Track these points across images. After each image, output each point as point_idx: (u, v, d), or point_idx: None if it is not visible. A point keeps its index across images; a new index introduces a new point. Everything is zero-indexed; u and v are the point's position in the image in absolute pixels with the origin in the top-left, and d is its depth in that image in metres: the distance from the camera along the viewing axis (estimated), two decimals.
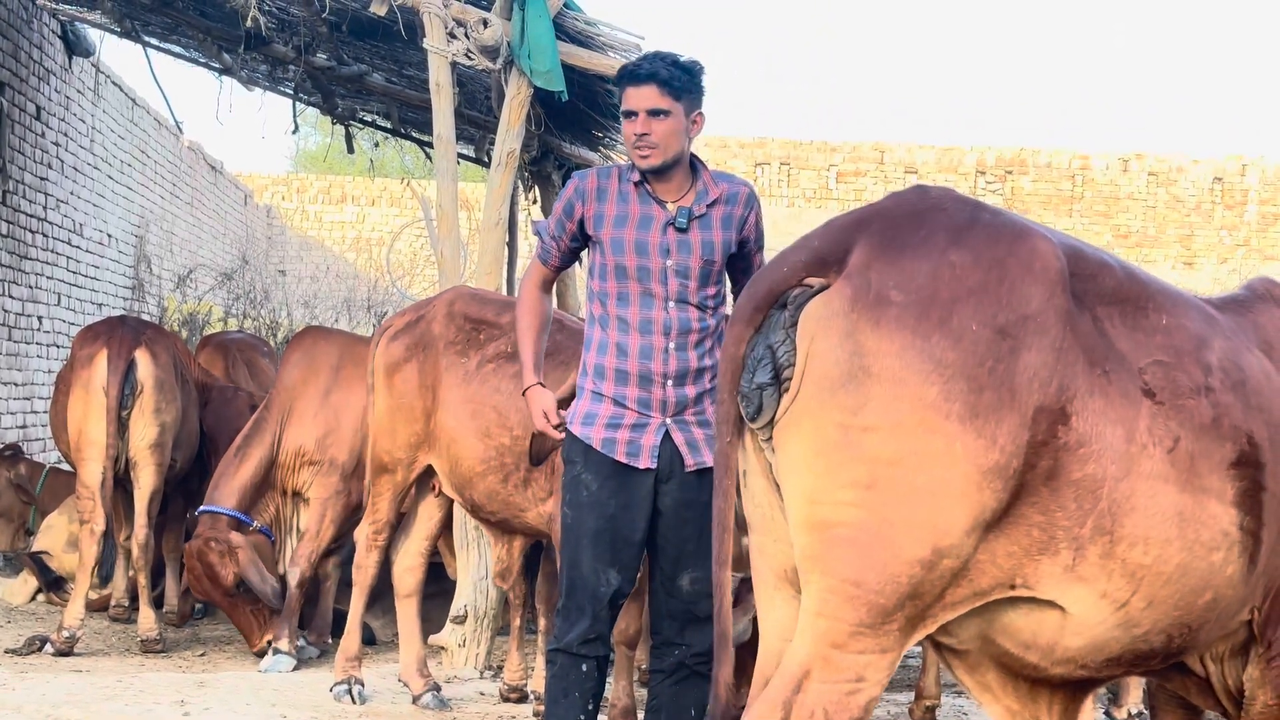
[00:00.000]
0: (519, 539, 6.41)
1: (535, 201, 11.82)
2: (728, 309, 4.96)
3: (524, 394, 5.08)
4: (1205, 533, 3.32)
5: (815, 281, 3.27)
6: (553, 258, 5.05)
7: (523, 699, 6.86)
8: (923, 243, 3.25)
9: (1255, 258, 26.71)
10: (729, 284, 5.05)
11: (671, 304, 4.86)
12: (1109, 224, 27.04)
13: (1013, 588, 3.26)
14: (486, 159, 11.40)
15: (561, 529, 4.98)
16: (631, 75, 4.86)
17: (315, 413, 7.95)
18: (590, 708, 4.94)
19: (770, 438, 3.28)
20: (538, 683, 6.62)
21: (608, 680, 5.06)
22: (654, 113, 4.82)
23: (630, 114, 4.84)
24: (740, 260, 5.04)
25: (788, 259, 3.32)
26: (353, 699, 6.59)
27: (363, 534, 6.64)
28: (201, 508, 7.86)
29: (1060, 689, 3.54)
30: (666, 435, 4.87)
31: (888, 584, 3.15)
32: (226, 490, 7.84)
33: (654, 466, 4.86)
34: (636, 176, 4.91)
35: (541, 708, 6.51)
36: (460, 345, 6.30)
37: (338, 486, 7.89)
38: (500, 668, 7.47)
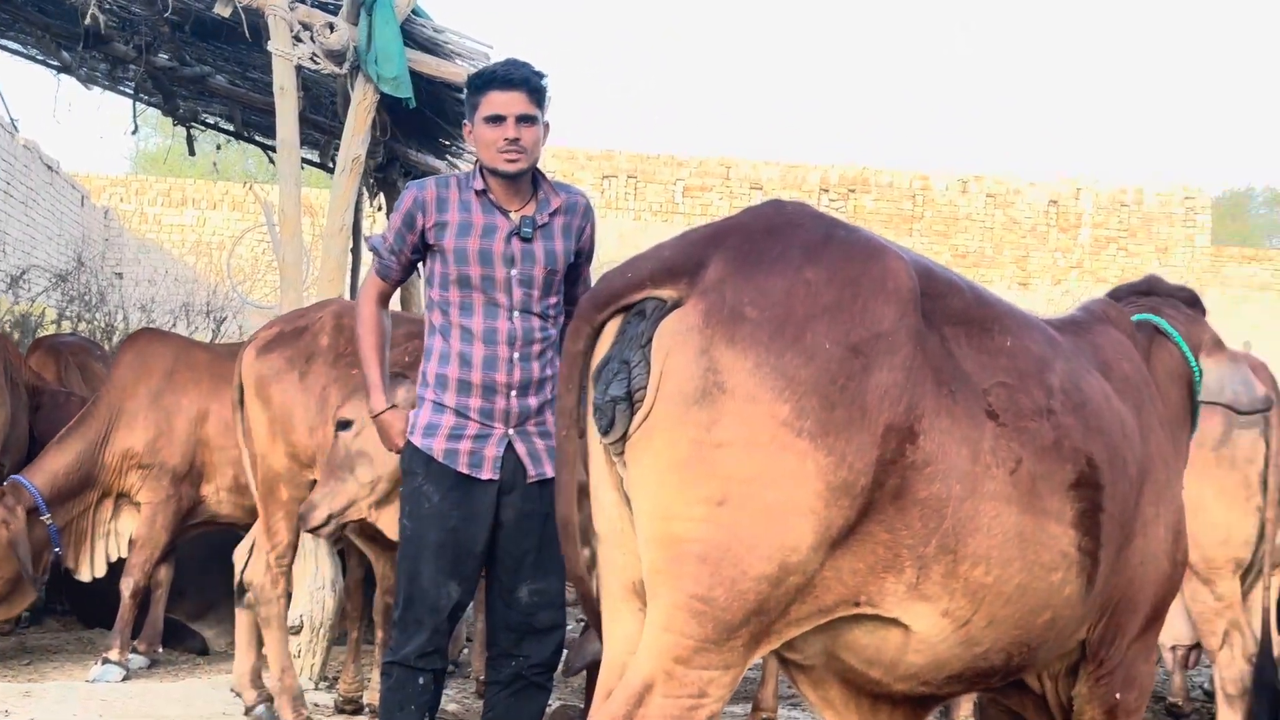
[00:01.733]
0: None
1: (380, 209, 11.71)
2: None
3: (375, 418, 5.01)
4: (1045, 554, 3.35)
5: (667, 294, 3.24)
6: (394, 273, 4.99)
7: (358, 710, 6.78)
8: (778, 259, 3.24)
9: (1088, 279, 27.29)
10: None
11: (516, 314, 4.83)
12: (948, 243, 27.47)
13: (857, 605, 3.25)
14: (331, 164, 11.28)
15: (401, 541, 4.91)
16: (503, 80, 4.80)
17: (146, 415, 7.79)
18: (426, 719, 4.89)
19: (622, 452, 3.25)
20: (373, 695, 6.54)
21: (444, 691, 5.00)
22: (523, 119, 4.80)
23: (498, 119, 4.78)
24: (572, 271, 5.03)
25: (637, 265, 3.29)
26: None
27: (261, 564, 6.36)
28: (13, 476, 7.66)
29: (901, 705, 3.55)
30: (509, 446, 4.84)
31: (735, 600, 3.13)
32: (40, 469, 7.64)
33: (497, 478, 4.83)
34: (480, 185, 4.87)
35: None
36: (351, 358, 6.16)
37: (168, 491, 7.73)
38: (336, 679, 7.37)
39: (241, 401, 6.42)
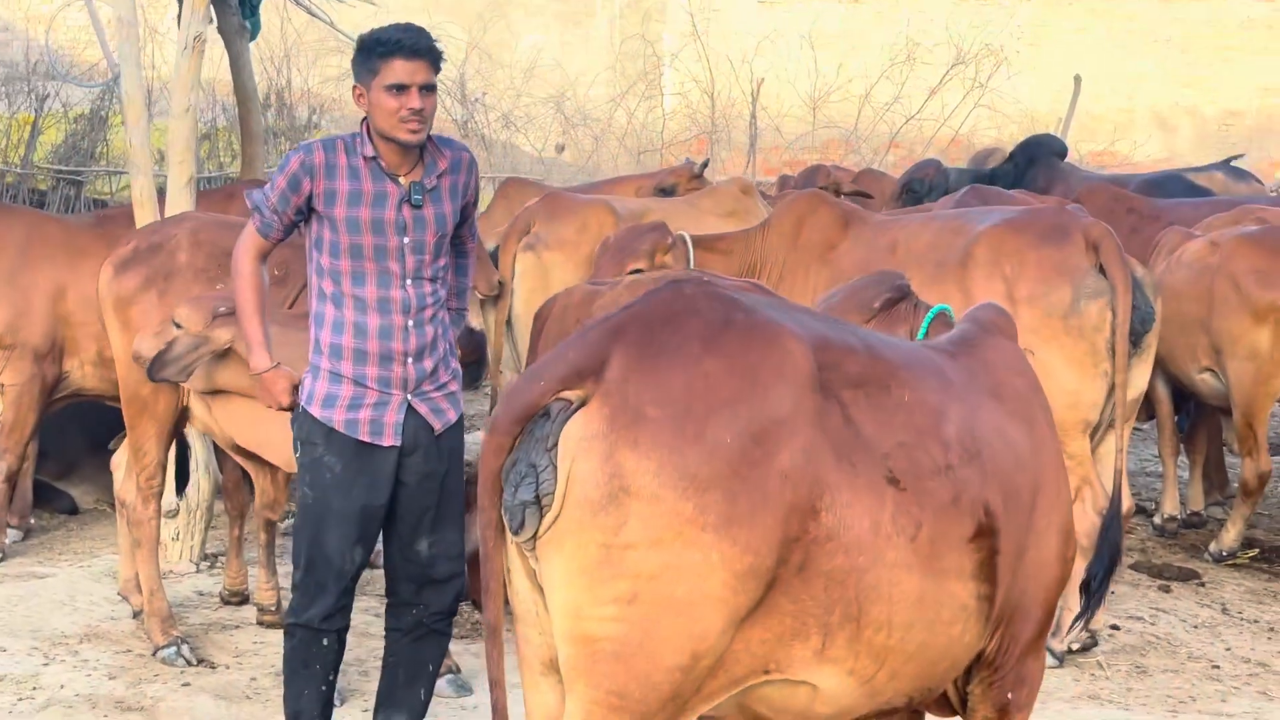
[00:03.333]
0: (281, 471, 6.28)
1: None
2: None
3: (259, 377, 4.99)
4: (945, 611, 3.52)
5: (573, 395, 3.29)
6: (274, 232, 4.92)
7: (244, 601, 6.90)
8: (677, 351, 3.29)
9: None
10: None
11: (409, 281, 4.82)
12: None
13: (767, 672, 3.40)
14: None
15: (301, 508, 4.94)
16: (410, 49, 4.70)
17: (2, 295, 7.63)
18: (330, 678, 5.01)
19: (534, 548, 3.33)
20: (262, 596, 6.65)
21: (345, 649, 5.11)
22: (426, 88, 4.72)
23: (401, 87, 4.69)
24: (462, 225, 5.02)
25: (545, 373, 3.32)
26: (186, 660, 6.22)
27: (133, 484, 6.29)
28: None
29: None
30: (409, 410, 4.87)
31: (650, 693, 3.26)
32: None
33: (398, 444, 4.87)
34: (370, 151, 4.79)
35: (266, 617, 6.60)
36: (213, 274, 6.08)
37: (32, 371, 7.63)
38: (216, 558, 7.49)
39: (106, 321, 6.32)
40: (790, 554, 3.30)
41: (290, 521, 7.29)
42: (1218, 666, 6.66)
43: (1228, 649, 6.90)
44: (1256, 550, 8.44)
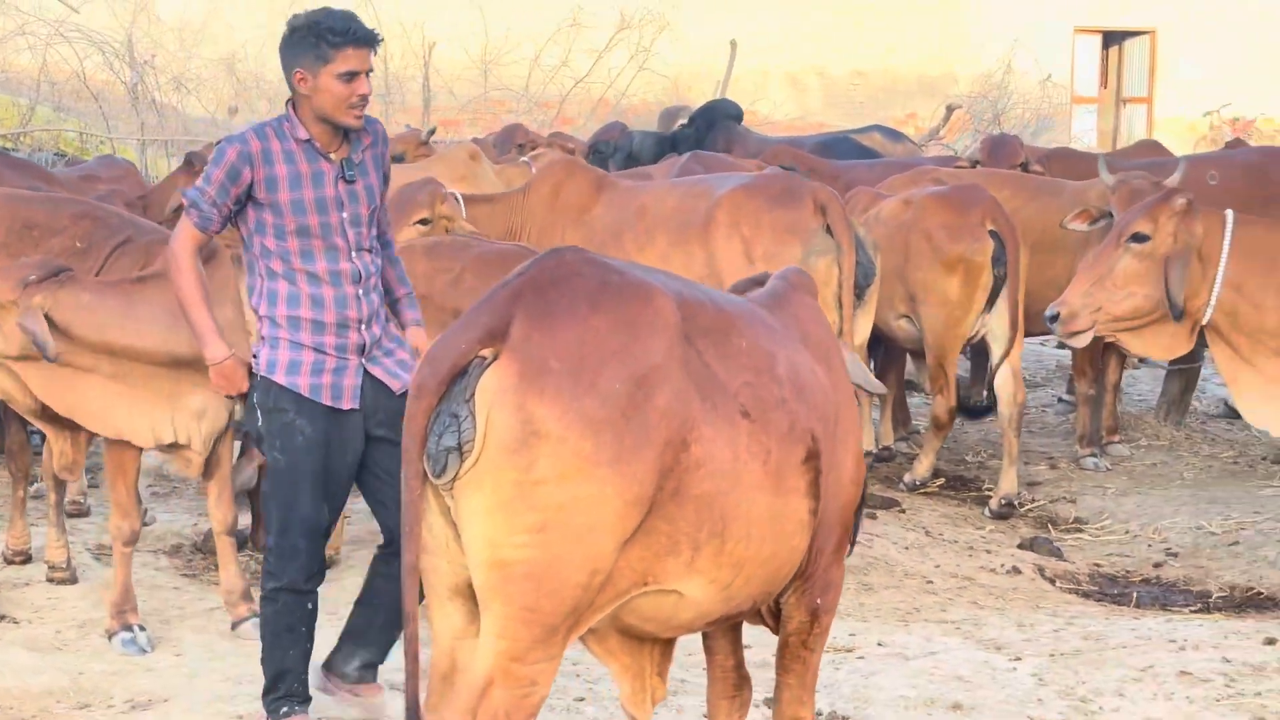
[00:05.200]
0: (82, 433, 6.40)
1: None
2: None
3: (219, 365, 5.22)
4: (789, 524, 4.13)
5: (487, 352, 3.78)
6: (213, 224, 5.09)
7: (27, 560, 7.07)
8: (568, 310, 3.82)
9: None
10: None
11: (354, 253, 5.11)
12: None
13: (645, 584, 3.96)
14: None
15: (272, 474, 5.14)
16: (361, 38, 4.95)
17: None
18: (312, 637, 5.25)
19: (452, 489, 3.81)
20: (52, 554, 6.84)
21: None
22: (369, 73, 5.02)
23: (353, 74, 4.93)
24: (382, 199, 5.35)
25: (463, 335, 3.80)
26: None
27: None
28: None
29: (660, 640, 4.33)
30: (365, 374, 5.17)
31: (557, 606, 3.79)
32: None
33: (358, 406, 5.15)
34: (303, 134, 5.01)
35: (56, 575, 6.81)
36: (13, 247, 6.22)
37: None
38: None
39: None
40: (667, 482, 3.86)
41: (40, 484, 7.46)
42: (931, 581, 7.49)
43: (937, 566, 7.75)
44: (943, 480, 9.38)
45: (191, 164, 8.43)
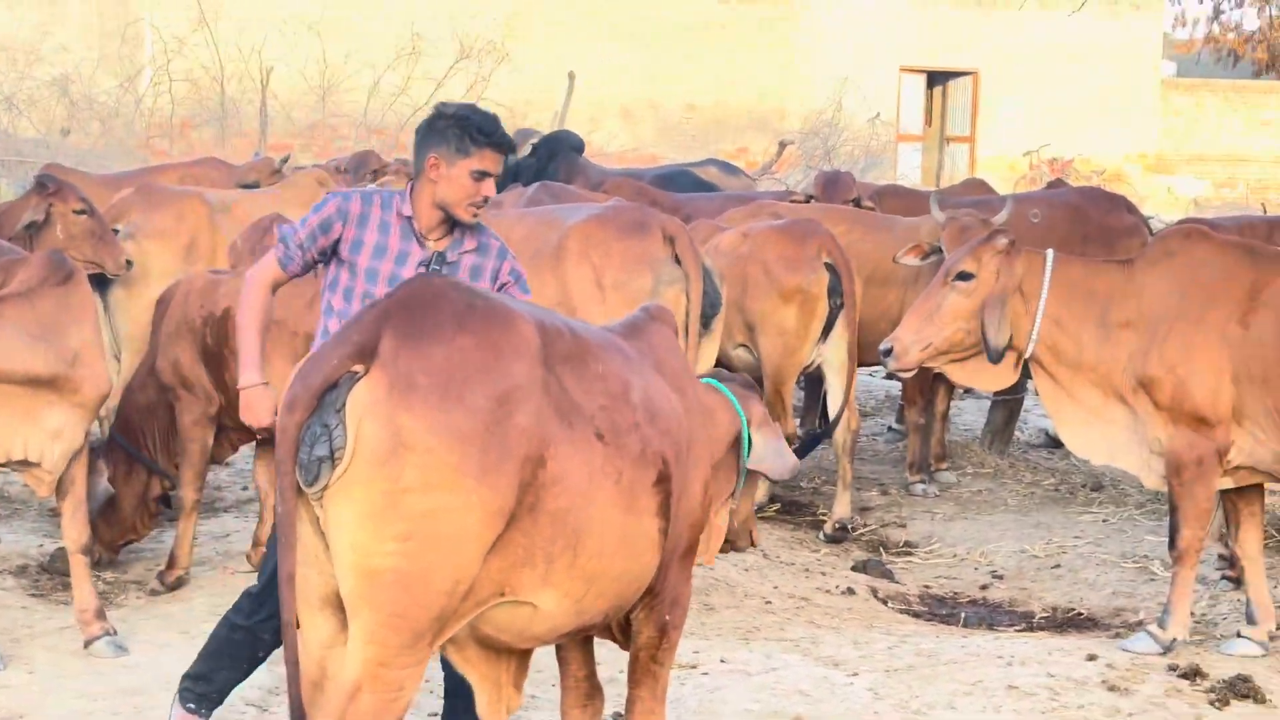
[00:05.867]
0: None
1: None
2: None
3: (244, 391, 5.13)
4: (640, 542, 4.33)
5: (358, 367, 3.93)
6: (293, 266, 5.08)
7: None
8: (436, 330, 3.98)
9: None
10: None
11: None
12: None
13: (503, 594, 4.12)
14: None
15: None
16: (503, 143, 4.98)
17: None
18: (250, 672, 5.36)
19: (321, 498, 3.95)
20: None
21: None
22: (496, 177, 5.04)
23: (484, 174, 4.94)
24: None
25: (335, 352, 3.94)
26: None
27: None
28: None
29: (516, 652, 4.50)
30: None
31: (423, 613, 3.94)
32: None
33: None
34: (408, 211, 5.02)
35: None
36: None
37: None
38: None
39: None
40: (525, 496, 4.04)
41: None
42: (770, 602, 7.71)
43: (775, 587, 7.97)
44: (779, 505, 9.64)
45: (44, 185, 8.39)
